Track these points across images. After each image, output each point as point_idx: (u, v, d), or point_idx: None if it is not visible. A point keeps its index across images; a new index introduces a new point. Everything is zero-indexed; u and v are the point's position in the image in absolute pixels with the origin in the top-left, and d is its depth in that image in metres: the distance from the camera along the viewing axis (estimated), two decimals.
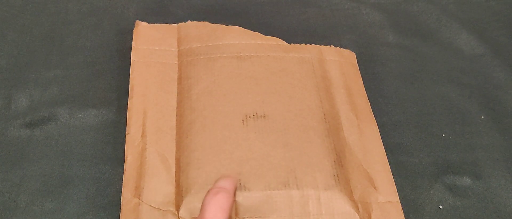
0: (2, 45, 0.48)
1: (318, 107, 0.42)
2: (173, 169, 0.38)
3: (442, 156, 0.43)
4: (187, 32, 0.47)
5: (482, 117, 0.46)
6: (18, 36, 0.49)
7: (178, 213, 0.35)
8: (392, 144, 0.44)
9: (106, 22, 0.51)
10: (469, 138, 0.45)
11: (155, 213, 0.36)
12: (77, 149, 0.41)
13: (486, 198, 0.41)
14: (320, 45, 0.48)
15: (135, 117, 0.41)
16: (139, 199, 0.36)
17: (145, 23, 0.48)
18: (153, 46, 0.46)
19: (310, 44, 0.47)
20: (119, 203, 0.37)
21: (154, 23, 0.48)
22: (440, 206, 0.40)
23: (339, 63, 0.47)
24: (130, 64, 0.45)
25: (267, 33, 0.47)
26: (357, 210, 0.37)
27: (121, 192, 0.37)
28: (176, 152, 0.39)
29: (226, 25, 0.48)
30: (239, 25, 0.48)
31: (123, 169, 0.39)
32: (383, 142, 0.42)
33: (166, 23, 0.48)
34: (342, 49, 0.48)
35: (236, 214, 0.35)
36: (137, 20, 0.48)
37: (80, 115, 0.43)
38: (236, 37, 0.46)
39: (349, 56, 0.48)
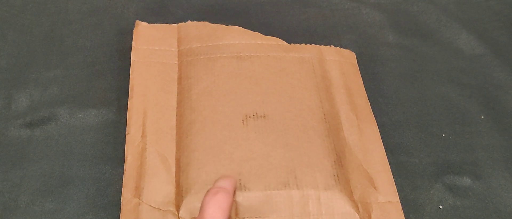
0: (2, 45, 0.48)
1: (318, 107, 0.42)
2: (173, 169, 0.38)
3: (442, 156, 0.43)
4: (187, 32, 0.47)
5: (482, 117, 0.46)
6: (18, 36, 0.49)
7: (178, 213, 0.35)
8: (392, 144, 0.44)
9: (106, 22, 0.51)
10: (469, 138, 0.45)
11: (155, 213, 0.36)
12: (77, 149, 0.41)
13: (486, 198, 0.41)
14: (320, 45, 0.48)
15: (135, 117, 0.41)
16: (139, 199, 0.36)
17: (145, 23, 0.48)
18: (153, 46, 0.46)
19: (310, 44, 0.47)
20: (119, 203, 0.37)
21: (154, 23, 0.48)
22: (440, 206, 0.40)
23: (339, 63, 0.47)
24: (130, 64, 0.45)
25: (267, 33, 0.47)
26: (357, 210, 0.37)
27: (121, 192, 0.37)
28: (176, 152, 0.39)
29: (226, 25, 0.48)
30: (239, 25, 0.48)
31: (123, 169, 0.39)
32: (383, 142, 0.42)
33: (166, 23, 0.48)
34: (342, 49, 0.48)
35: (236, 214, 0.35)
36: (137, 20, 0.48)
37: (80, 115, 0.43)
38: (236, 37, 0.46)
39: (349, 56, 0.48)
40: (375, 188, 0.39)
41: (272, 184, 0.36)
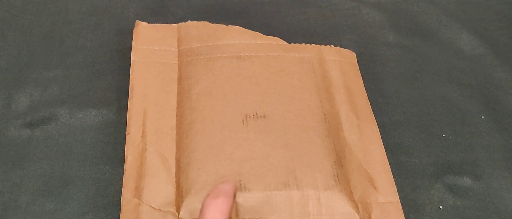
0: (2, 45, 0.48)
1: (318, 107, 0.42)
2: (173, 170, 0.38)
3: (442, 156, 0.43)
4: (187, 32, 0.47)
5: (483, 117, 0.46)
6: (18, 36, 0.49)
7: (178, 214, 0.35)
8: (392, 144, 0.44)
9: (106, 22, 0.51)
10: (470, 138, 0.45)
11: (155, 214, 0.36)
12: (78, 149, 0.41)
13: (487, 198, 0.41)
14: (320, 45, 0.48)
15: (135, 117, 0.41)
16: (139, 199, 0.36)
17: (145, 23, 0.48)
18: (153, 46, 0.46)
19: (310, 44, 0.47)
20: (119, 203, 0.37)
21: (154, 23, 0.48)
22: (440, 206, 0.40)
23: (339, 63, 0.47)
24: (130, 64, 0.45)
25: (267, 33, 0.47)
26: (357, 210, 0.37)
27: (121, 192, 0.37)
28: (176, 152, 0.39)
29: (226, 25, 0.48)
30: (239, 25, 0.48)
31: (123, 169, 0.39)
32: (383, 142, 0.42)
33: (166, 23, 0.48)
34: (342, 48, 0.48)
35: (236, 215, 0.35)
36: (137, 20, 0.48)
37: (80, 115, 0.43)
38: (236, 37, 0.46)
39: (349, 56, 0.48)
40: (375, 188, 0.39)
41: (272, 184, 0.36)
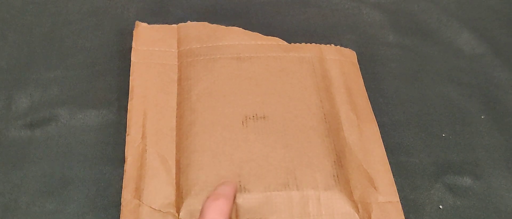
0: (2, 46, 0.48)
1: (318, 107, 0.42)
2: (173, 171, 0.38)
3: (442, 156, 0.43)
4: (187, 33, 0.47)
5: (483, 117, 0.46)
6: (18, 36, 0.49)
7: (178, 215, 0.35)
8: (392, 144, 0.44)
9: (106, 23, 0.51)
10: (470, 138, 0.45)
11: (155, 215, 0.36)
12: (78, 149, 0.41)
13: (487, 198, 0.41)
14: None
15: (135, 118, 0.41)
16: (139, 200, 0.36)
17: (145, 24, 0.48)
18: (153, 47, 0.46)
19: (311, 44, 0.47)
20: (119, 204, 0.37)
21: (154, 23, 0.48)
22: (440, 206, 0.40)
23: (339, 62, 0.47)
24: (130, 65, 0.45)
25: (267, 33, 0.47)
26: (357, 210, 0.37)
27: (121, 193, 0.37)
28: (176, 154, 0.39)
29: (226, 25, 0.48)
30: (239, 26, 0.48)
31: (123, 170, 0.39)
32: (383, 142, 0.42)
33: (166, 23, 0.48)
34: (342, 48, 0.48)
35: (236, 216, 0.35)
36: (137, 21, 0.48)
37: (81, 116, 0.43)
38: (236, 38, 0.46)
39: (350, 55, 0.48)
40: (375, 188, 0.39)
41: (272, 185, 0.36)
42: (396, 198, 0.39)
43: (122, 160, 0.39)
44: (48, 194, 0.39)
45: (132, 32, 0.47)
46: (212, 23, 0.48)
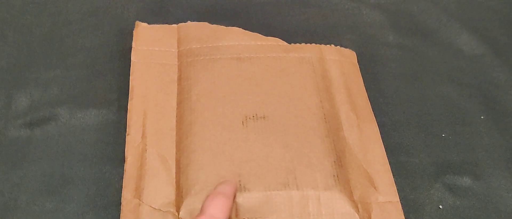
0: (2, 45, 0.48)
1: (318, 107, 0.42)
2: (173, 170, 0.38)
3: (442, 156, 0.43)
4: (187, 33, 0.47)
5: (482, 117, 0.46)
6: (18, 36, 0.49)
7: (178, 214, 0.35)
8: (392, 144, 0.44)
9: (106, 23, 0.51)
10: (469, 138, 0.45)
11: (155, 214, 0.36)
12: (78, 149, 0.41)
13: (486, 198, 0.41)
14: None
15: (135, 118, 0.41)
16: (139, 200, 0.36)
17: (145, 24, 0.48)
18: (153, 47, 0.46)
19: (310, 44, 0.47)
20: (119, 203, 0.37)
21: (154, 23, 0.48)
22: (440, 206, 0.40)
23: (339, 62, 0.47)
24: (130, 65, 0.45)
25: (267, 33, 0.47)
26: (357, 210, 0.37)
27: (121, 192, 0.37)
28: (176, 153, 0.39)
29: (226, 25, 0.48)
30: (239, 26, 0.48)
31: (123, 170, 0.39)
32: (383, 142, 0.42)
33: (166, 23, 0.48)
34: (342, 48, 0.48)
35: (236, 215, 0.35)
36: (137, 21, 0.48)
37: (80, 115, 0.43)
38: (236, 38, 0.46)
39: (350, 55, 0.48)
40: (375, 188, 0.39)
41: (272, 184, 0.36)
42: (396, 198, 0.39)
43: (122, 160, 0.39)
44: (48, 193, 0.39)
45: (132, 32, 0.47)
46: (212, 23, 0.48)
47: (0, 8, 0.51)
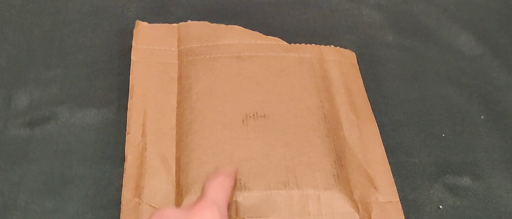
0: (2, 45, 0.48)
1: (318, 107, 0.42)
2: (173, 169, 0.38)
3: (442, 156, 0.43)
4: (187, 32, 0.47)
5: (482, 117, 0.47)
6: (18, 35, 0.49)
7: None
8: (392, 144, 0.44)
9: (106, 22, 0.51)
10: (469, 138, 0.45)
11: None
12: (77, 148, 0.41)
13: (486, 198, 0.41)
14: (320, 45, 0.48)
15: (135, 117, 0.41)
16: (139, 198, 0.36)
17: (145, 23, 0.48)
18: (153, 46, 0.46)
19: (310, 44, 0.47)
20: (119, 202, 0.37)
21: (154, 22, 0.48)
22: (440, 206, 0.40)
23: (339, 63, 0.47)
24: (130, 64, 0.45)
25: (267, 33, 0.47)
26: (357, 210, 0.37)
27: (121, 191, 0.37)
28: (176, 152, 0.39)
29: (226, 25, 0.48)
30: (239, 25, 0.48)
31: (123, 169, 0.39)
32: (383, 142, 0.42)
33: (166, 22, 0.48)
34: (342, 49, 0.49)
35: (236, 214, 0.35)
36: (137, 20, 0.48)
37: (80, 115, 0.43)
38: (236, 37, 0.46)
39: (349, 56, 0.48)
40: (375, 188, 0.39)
41: (272, 183, 0.36)
42: (396, 198, 0.39)
43: (122, 159, 0.39)
44: (48, 192, 0.38)
45: (132, 31, 0.47)
46: (212, 23, 0.48)
47: (0, 8, 0.51)
